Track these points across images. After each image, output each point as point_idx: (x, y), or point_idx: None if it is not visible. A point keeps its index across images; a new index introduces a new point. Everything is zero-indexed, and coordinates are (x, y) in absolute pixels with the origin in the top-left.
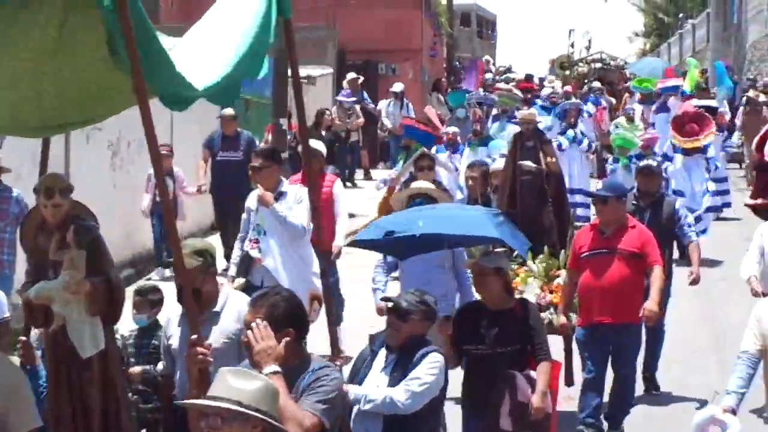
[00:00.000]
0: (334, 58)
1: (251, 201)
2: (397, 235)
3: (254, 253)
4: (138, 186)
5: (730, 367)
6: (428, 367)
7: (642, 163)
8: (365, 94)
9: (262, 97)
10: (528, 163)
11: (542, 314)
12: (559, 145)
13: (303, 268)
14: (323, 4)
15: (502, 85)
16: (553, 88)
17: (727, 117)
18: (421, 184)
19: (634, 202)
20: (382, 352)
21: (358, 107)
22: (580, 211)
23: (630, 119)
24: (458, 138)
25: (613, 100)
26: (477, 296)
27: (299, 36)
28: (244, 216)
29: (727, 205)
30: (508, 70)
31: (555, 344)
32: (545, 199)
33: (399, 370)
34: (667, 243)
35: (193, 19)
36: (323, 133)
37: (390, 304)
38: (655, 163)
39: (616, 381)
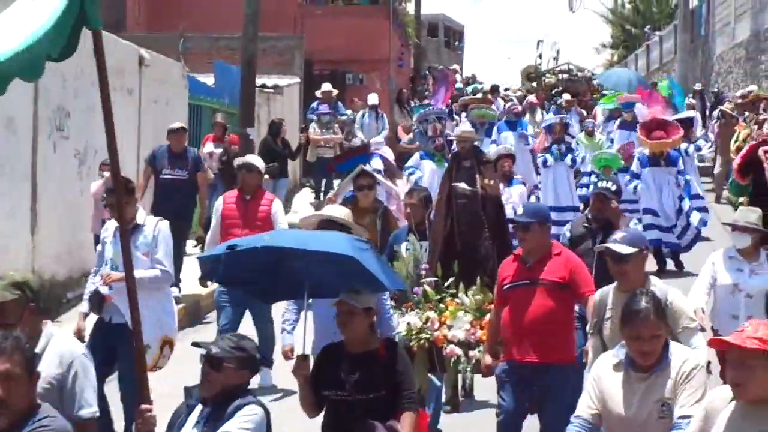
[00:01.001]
0: (301, 67)
1: (107, 232)
2: (239, 248)
3: (104, 290)
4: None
5: None
6: (241, 421)
7: (601, 184)
8: (340, 105)
9: (229, 106)
10: (462, 186)
11: (471, 352)
12: (544, 162)
13: (158, 309)
14: (290, 13)
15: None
16: (512, 100)
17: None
18: (333, 211)
19: (585, 224)
20: (199, 407)
21: (336, 125)
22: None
23: (590, 134)
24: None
25: (584, 112)
26: (399, 331)
27: (266, 45)
28: (98, 248)
29: (704, 223)
30: (473, 79)
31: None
32: (481, 226)
33: (211, 425)
34: None
35: (160, 27)
36: (279, 144)
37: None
38: (614, 187)
39: (541, 430)
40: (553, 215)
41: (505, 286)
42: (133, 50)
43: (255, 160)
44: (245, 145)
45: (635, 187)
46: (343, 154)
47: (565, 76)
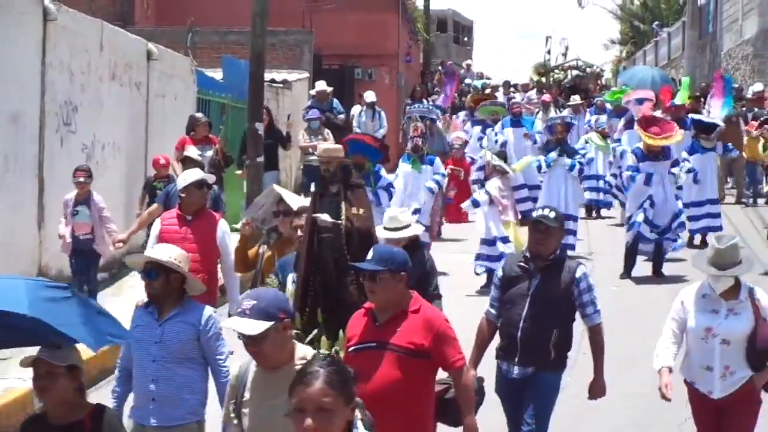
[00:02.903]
0: (309, 62)
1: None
2: None
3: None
4: (113, 187)
5: None
6: None
7: (536, 214)
8: (335, 102)
9: (238, 101)
10: (323, 218)
11: None
12: (539, 167)
13: None
14: (299, 7)
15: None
16: (513, 98)
17: None
18: (161, 253)
19: (521, 263)
20: None
21: (327, 131)
22: (571, 239)
23: (605, 135)
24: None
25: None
26: None
27: (275, 39)
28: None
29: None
30: (481, 75)
31: None
32: (344, 266)
33: None
34: (559, 322)
35: (168, 21)
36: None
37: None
38: (553, 215)
39: None
40: None
41: (351, 347)
42: (142, 44)
43: (200, 175)
44: (255, 140)
45: (631, 178)
46: (362, 136)
47: (574, 72)
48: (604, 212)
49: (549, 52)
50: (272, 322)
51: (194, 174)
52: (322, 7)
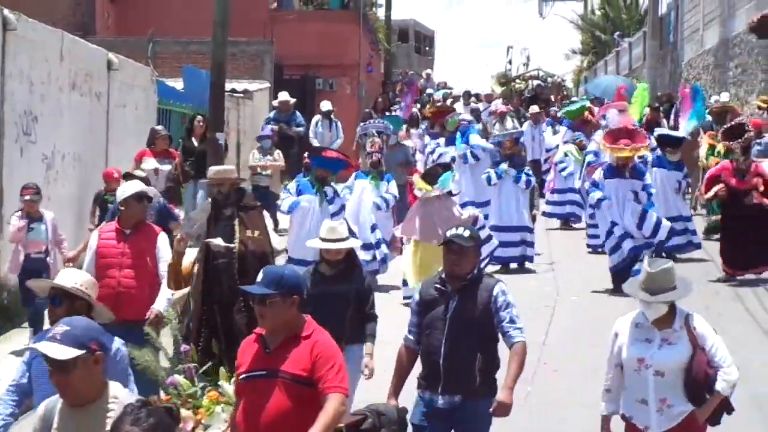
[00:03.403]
0: (271, 72)
1: None
2: None
3: None
4: (73, 197)
5: None
6: None
7: (449, 234)
8: (297, 114)
9: (198, 111)
10: (216, 242)
11: None
12: (488, 179)
13: None
14: (260, 18)
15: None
16: (477, 108)
17: None
18: (66, 279)
19: (437, 285)
20: None
21: (277, 152)
22: (529, 251)
23: (582, 147)
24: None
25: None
26: None
27: (236, 49)
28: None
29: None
30: (444, 85)
31: None
32: (236, 292)
33: None
34: (482, 345)
35: (129, 31)
36: (195, 143)
37: None
38: (467, 233)
39: None
40: (499, 235)
41: (240, 376)
42: (102, 54)
43: (140, 187)
44: (215, 150)
45: (599, 200)
46: (324, 152)
47: (536, 82)
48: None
49: (510, 62)
50: (82, 351)
51: (133, 186)
52: (284, 17)
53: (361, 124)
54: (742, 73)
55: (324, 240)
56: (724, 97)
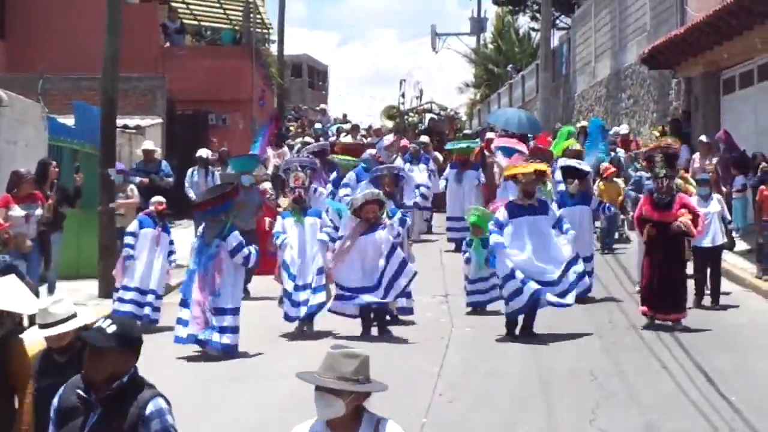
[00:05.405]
0: (163, 108)
1: None
2: None
3: None
4: None
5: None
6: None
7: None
8: (164, 164)
9: (90, 147)
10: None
11: None
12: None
13: None
14: (152, 53)
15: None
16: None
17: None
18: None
19: (79, 391)
20: None
21: (131, 187)
22: None
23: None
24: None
25: (440, 156)
26: None
27: (128, 85)
28: None
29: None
30: (343, 119)
31: None
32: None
33: None
34: None
35: (19, 68)
36: (47, 191)
37: None
38: (112, 329)
39: None
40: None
41: None
42: None
43: None
44: (107, 186)
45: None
46: (210, 200)
47: (429, 115)
48: None
49: (403, 95)
50: None
51: None
52: (176, 53)
53: (286, 158)
54: (634, 104)
55: (42, 327)
56: (624, 129)
